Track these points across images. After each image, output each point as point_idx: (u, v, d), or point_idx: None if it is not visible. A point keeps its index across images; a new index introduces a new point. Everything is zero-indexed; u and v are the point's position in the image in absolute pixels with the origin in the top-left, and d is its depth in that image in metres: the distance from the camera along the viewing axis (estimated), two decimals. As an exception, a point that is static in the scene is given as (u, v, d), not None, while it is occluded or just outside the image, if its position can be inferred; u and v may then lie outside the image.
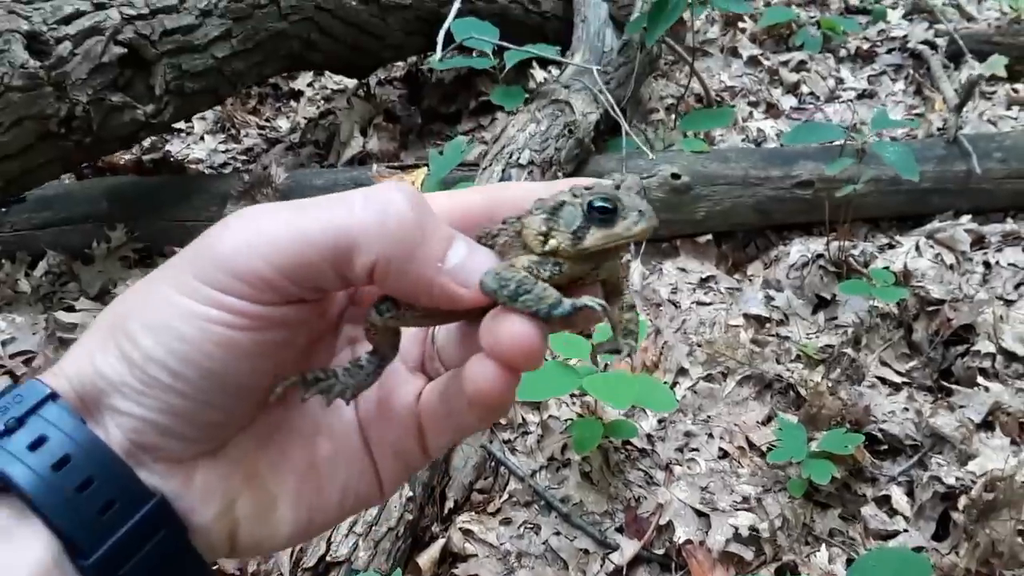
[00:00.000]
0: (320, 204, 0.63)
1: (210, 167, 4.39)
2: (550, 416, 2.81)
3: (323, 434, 0.77)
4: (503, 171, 3.02)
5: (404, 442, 0.78)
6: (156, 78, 3.09)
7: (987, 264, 3.25)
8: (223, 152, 4.53)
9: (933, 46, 4.73)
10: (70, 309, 3.30)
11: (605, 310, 0.67)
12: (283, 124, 4.83)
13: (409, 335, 0.79)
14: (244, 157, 4.49)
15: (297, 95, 5.09)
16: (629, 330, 0.78)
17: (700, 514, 2.53)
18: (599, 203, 0.66)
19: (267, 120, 4.90)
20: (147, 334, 0.61)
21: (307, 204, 0.64)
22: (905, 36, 4.93)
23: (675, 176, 3.31)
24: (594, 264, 0.70)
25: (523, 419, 2.82)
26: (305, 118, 4.73)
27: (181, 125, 4.55)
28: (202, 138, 4.65)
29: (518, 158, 3.04)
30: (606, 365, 2.52)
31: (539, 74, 4.28)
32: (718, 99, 4.36)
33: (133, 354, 0.61)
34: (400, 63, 4.72)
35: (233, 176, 3.74)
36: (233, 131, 4.70)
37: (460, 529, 2.51)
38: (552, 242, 0.67)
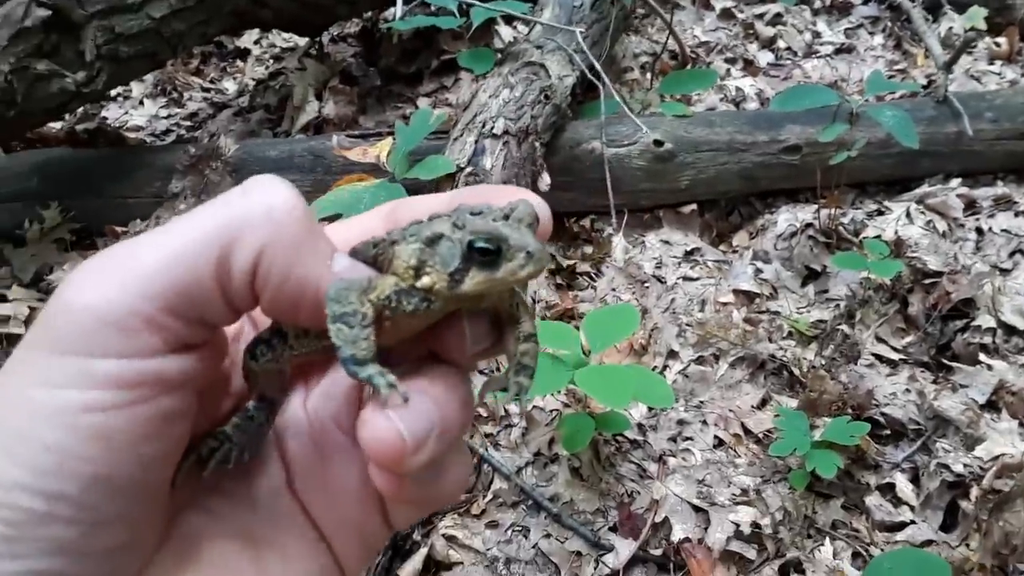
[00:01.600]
0: (193, 213, 0.56)
1: (152, 135, 4.06)
2: (535, 407, 2.63)
3: (261, 529, 0.66)
4: (476, 141, 2.79)
5: (364, 521, 0.68)
6: (86, 43, 2.76)
7: (979, 231, 3.13)
8: (165, 118, 4.19)
9: (911, -3, 4.55)
10: (1, 299, 3.01)
11: (395, 395, 0.58)
12: (230, 86, 4.49)
13: (346, 399, 0.71)
14: (188, 123, 4.16)
15: (243, 54, 4.73)
16: (523, 364, 0.69)
17: (698, 509, 2.38)
18: (480, 244, 0.59)
19: (212, 82, 4.55)
20: (2, 454, 0.49)
21: (174, 220, 0.56)
22: (882, -14, 4.74)
23: (658, 143, 3.11)
24: (475, 300, 0.63)
25: (505, 411, 2.64)
26: (253, 79, 4.40)
27: (117, 89, 4.19)
28: (141, 103, 4.30)
29: (492, 128, 2.81)
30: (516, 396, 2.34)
31: (505, 31, 4.01)
32: (693, 55, 4.14)
33: None
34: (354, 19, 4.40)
35: (177, 147, 3.43)
36: (175, 94, 4.36)
37: (443, 535, 2.33)
38: (425, 280, 0.60)
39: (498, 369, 2.53)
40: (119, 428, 0.51)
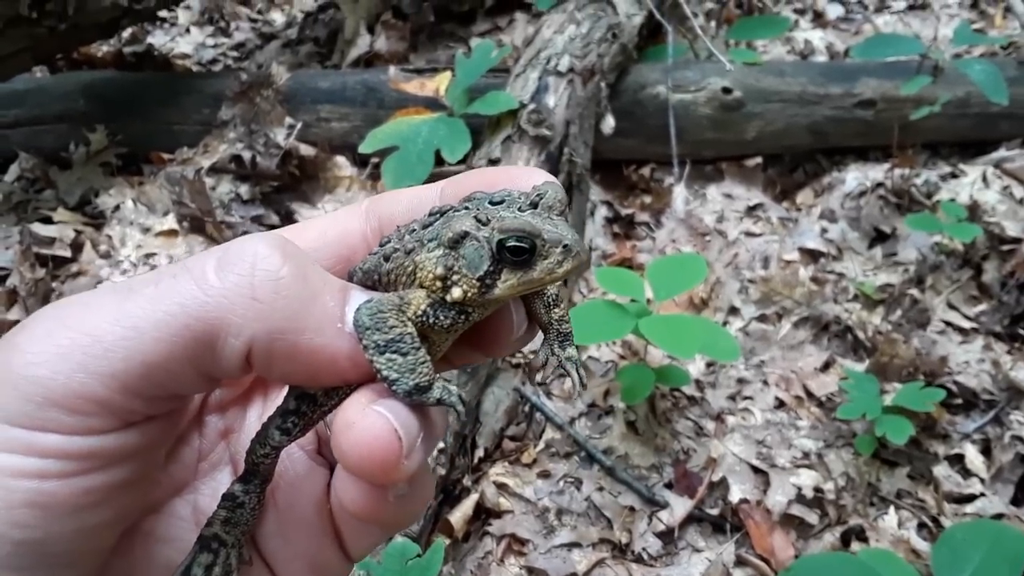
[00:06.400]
0: (157, 281, 0.48)
1: (198, 63, 3.97)
2: (589, 357, 2.54)
3: None
4: (539, 78, 2.67)
5: (319, 554, 0.60)
6: (140, -43, 2.66)
7: (1060, 199, 2.97)
8: (212, 47, 4.09)
9: (992, -47, 4.32)
10: (47, 220, 2.95)
11: (459, 417, 0.57)
12: (278, 17, 4.37)
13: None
14: (235, 53, 4.07)
15: (292, -15, 4.60)
16: (563, 332, 0.64)
17: (757, 471, 2.30)
18: (512, 243, 0.52)
19: (259, 12, 4.44)
20: None
21: (136, 285, 0.48)
22: (961, -59, 4.51)
23: (726, 90, 2.97)
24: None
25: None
26: (302, 12, 4.28)
27: (164, 14, 4.09)
28: (187, 30, 4.20)
29: (556, 64, 2.68)
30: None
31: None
32: (759, 4, 3.96)
33: None
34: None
35: (226, 75, 3.33)
36: (222, 23, 4.25)
37: (494, 482, 2.27)
38: (455, 292, 0.54)
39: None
40: (59, 497, 0.46)
